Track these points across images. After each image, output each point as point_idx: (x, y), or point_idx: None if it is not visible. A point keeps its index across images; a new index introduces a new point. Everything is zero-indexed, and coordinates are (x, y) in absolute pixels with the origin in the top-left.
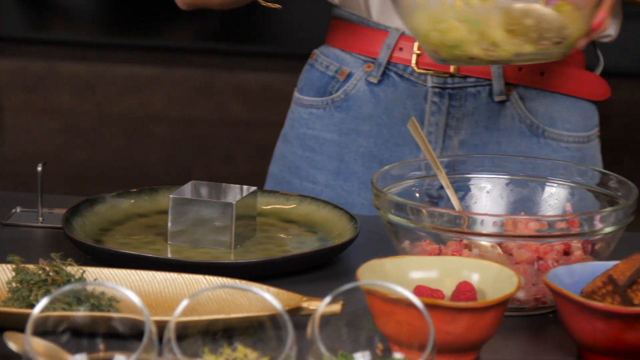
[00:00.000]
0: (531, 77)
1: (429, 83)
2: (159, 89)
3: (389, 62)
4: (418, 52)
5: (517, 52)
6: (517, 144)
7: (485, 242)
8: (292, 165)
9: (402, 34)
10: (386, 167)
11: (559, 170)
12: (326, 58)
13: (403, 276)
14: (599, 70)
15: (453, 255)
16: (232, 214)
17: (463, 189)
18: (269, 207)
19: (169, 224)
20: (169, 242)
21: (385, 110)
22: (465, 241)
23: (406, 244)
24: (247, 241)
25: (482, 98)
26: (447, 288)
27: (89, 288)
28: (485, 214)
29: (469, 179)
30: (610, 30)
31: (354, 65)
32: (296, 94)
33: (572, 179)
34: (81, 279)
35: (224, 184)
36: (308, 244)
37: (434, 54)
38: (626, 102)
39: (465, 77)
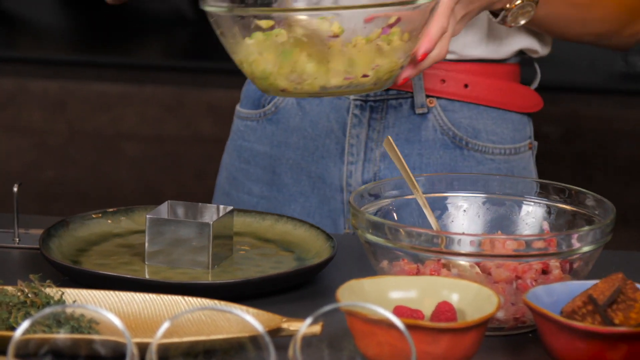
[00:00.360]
0: (454, 89)
1: (351, 96)
2: (129, 107)
3: None
4: None
5: (323, 85)
6: (440, 155)
7: (463, 261)
8: (230, 177)
9: None
10: (363, 187)
11: (536, 189)
12: None
13: (382, 296)
14: (535, 83)
15: (431, 274)
16: (210, 234)
17: (440, 208)
18: (245, 226)
19: (146, 245)
20: (146, 263)
21: (311, 123)
22: (443, 260)
23: (384, 263)
24: (224, 261)
25: (404, 110)
26: (427, 308)
27: (69, 310)
28: (463, 234)
29: (445, 198)
30: (537, 47)
31: None
32: (237, 107)
33: (549, 197)
34: (60, 301)
35: (200, 203)
36: (285, 264)
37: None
38: (596, 117)
39: (387, 90)
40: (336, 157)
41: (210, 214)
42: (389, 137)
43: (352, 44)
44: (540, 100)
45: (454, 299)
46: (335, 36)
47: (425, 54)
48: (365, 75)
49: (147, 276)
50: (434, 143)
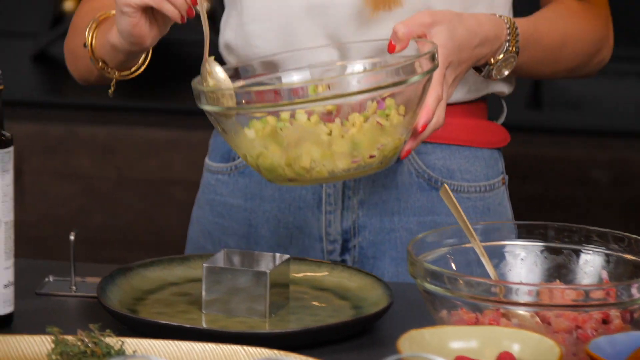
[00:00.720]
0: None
1: None
2: (177, 152)
3: None
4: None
5: (331, 170)
6: (417, 198)
7: (522, 311)
8: (205, 231)
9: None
10: (420, 235)
11: (594, 237)
12: None
13: (443, 346)
14: (502, 118)
15: (490, 324)
16: (267, 282)
17: (497, 256)
18: (301, 274)
19: (203, 293)
20: (203, 311)
21: None
22: (502, 310)
23: (444, 313)
24: (281, 310)
25: None
26: (488, 358)
27: None
28: (521, 283)
29: (503, 246)
30: (503, 88)
31: None
32: (206, 160)
33: (607, 245)
34: (120, 351)
35: (256, 252)
36: (342, 312)
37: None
38: None
39: None
40: (314, 207)
41: (267, 262)
42: (446, 185)
43: (350, 123)
44: (507, 135)
45: (515, 349)
46: (329, 113)
47: (425, 125)
48: (371, 156)
49: (204, 325)
50: (411, 187)
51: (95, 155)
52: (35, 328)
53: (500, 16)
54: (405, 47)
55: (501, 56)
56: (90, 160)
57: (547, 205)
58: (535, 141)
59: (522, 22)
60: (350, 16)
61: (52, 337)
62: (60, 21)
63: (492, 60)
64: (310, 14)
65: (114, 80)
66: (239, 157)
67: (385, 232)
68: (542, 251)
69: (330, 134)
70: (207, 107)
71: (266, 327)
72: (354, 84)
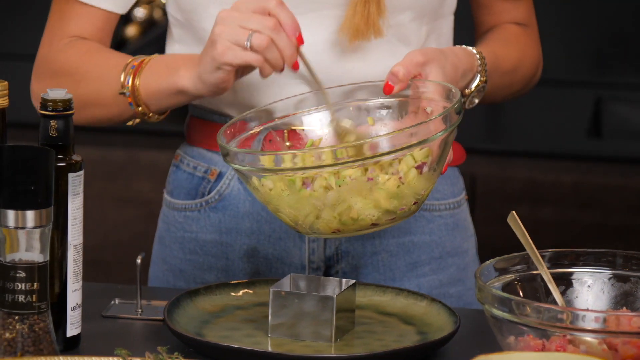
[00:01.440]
0: None
1: None
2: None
3: None
4: (288, 143)
5: (375, 222)
6: None
7: (589, 337)
8: (175, 269)
9: (271, 130)
10: (488, 262)
11: None
12: (192, 159)
13: None
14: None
15: (557, 350)
16: (333, 307)
17: (564, 283)
18: (366, 299)
19: (270, 317)
20: (269, 335)
21: (264, 206)
22: (569, 336)
23: (511, 339)
24: (347, 334)
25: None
26: None
27: None
28: (588, 310)
29: (570, 274)
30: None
31: (223, 164)
32: (167, 197)
33: None
34: None
35: (322, 277)
36: (407, 337)
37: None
38: None
39: None
40: (295, 237)
41: (333, 287)
42: (514, 212)
43: (397, 175)
44: (464, 152)
45: None
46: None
47: (447, 165)
48: (415, 203)
49: (270, 349)
50: None
51: (156, 180)
52: (101, 350)
53: (469, 48)
54: (404, 88)
55: (474, 87)
56: (151, 185)
57: (607, 234)
58: (595, 170)
59: (485, 52)
60: (326, 47)
61: (121, 359)
62: (123, 46)
63: (467, 92)
64: None
65: (138, 120)
66: (208, 193)
67: (368, 255)
68: (609, 278)
69: (382, 185)
70: (237, 167)
71: (332, 352)
72: (405, 139)
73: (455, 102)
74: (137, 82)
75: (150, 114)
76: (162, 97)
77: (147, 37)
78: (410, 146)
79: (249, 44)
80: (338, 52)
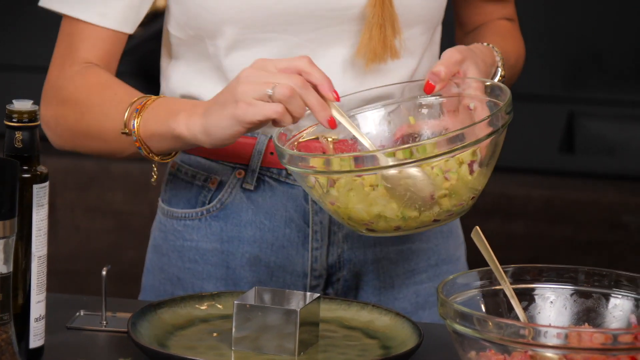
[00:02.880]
0: None
1: None
2: None
3: (261, 167)
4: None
5: (436, 217)
6: None
7: (551, 354)
8: (173, 278)
9: (271, 138)
10: (451, 276)
11: (624, 282)
12: (190, 168)
13: None
14: None
15: None
16: (297, 320)
17: (527, 299)
18: (331, 313)
19: (233, 330)
20: (233, 348)
21: (267, 215)
22: (530, 352)
23: (472, 354)
24: (311, 348)
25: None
26: None
27: None
28: (550, 326)
29: (533, 289)
30: None
31: (223, 172)
32: (163, 206)
33: (637, 290)
34: None
35: (287, 290)
36: (371, 352)
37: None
38: None
39: None
40: (298, 245)
41: (297, 300)
42: (477, 227)
43: (461, 172)
44: None
45: None
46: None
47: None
48: (472, 198)
49: None
50: None
51: (129, 191)
52: None
53: (485, 44)
54: (445, 87)
55: (496, 80)
56: (124, 195)
57: (578, 249)
58: (567, 185)
59: (498, 47)
60: (346, 67)
61: None
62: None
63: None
64: None
65: (155, 169)
66: (209, 202)
67: (369, 263)
68: (571, 294)
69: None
70: (294, 169)
71: None
72: (467, 135)
73: (506, 101)
74: (137, 122)
75: (151, 155)
76: (160, 140)
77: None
78: (452, 150)
79: (270, 92)
80: (355, 72)
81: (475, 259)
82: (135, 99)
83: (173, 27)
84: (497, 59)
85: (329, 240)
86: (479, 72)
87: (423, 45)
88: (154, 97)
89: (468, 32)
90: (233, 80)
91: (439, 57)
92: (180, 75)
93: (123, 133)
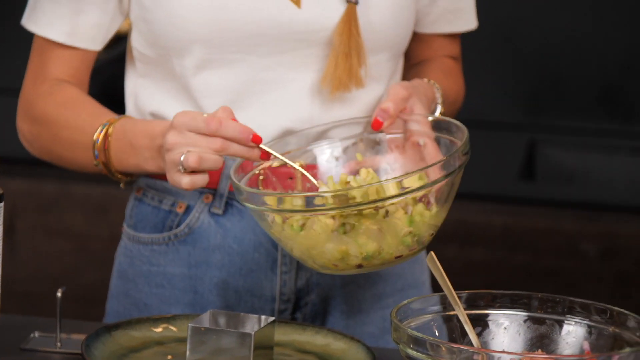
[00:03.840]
0: None
1: None
2: None
3: (229, 192)
4: (260, 177)
5: (399, 253)
6: None
7: None
8: (139, 303)
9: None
10: (405, 302)
11: (577, 309)
12: (157, 192)
13: None
14: None
15: None
16: (251, 344)
17: (481, 325)
18: (286, 337)
19: (187, 353)
20: None
21: (235, 239)
22: None
23: None
24: None
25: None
26: None
27: None
28: (503, 352)
29: (487, 315)
30: None
31: (190, 197)
32: (129, 231)
33: (590, 317)
34: None
35: (242, 313)
36: None
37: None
38: (636, 236)
39: None
40: (267, 270)
41: (252, 324)
42: (432, 253)
43: (418, 213)
44: None
45: None
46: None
47: None
48: (431, 235)
49: None
50: None
51: (89, 214)
52: None
53: (426, 80)
54: (392, 124)
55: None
56: (84, 218)
57: (536, 276)
58: (527, 212)
59: (440, 84)
60: (311, 93)
61: None
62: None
63: None
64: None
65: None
66: (177, 226)
67: (337, 287)
68: (525, 321)
69: (409, 223)
70: (251, 206)
71: None
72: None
73: (464, 141)
74: (109, 156)
75: (120, 177)
76: (124, 167)
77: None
78: (412, 190)
79: (182, 168)
80: (322, 98)
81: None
82: (95, 134)
83: (140, 44)
84: (437, 95)
85: (297, 264)
86: (424, 107)
87: (389, 72)
88: (115, 124)
89: (412, 64)
90: (164, 138)
91: None
92: (147, 94)
93: (96, 165)
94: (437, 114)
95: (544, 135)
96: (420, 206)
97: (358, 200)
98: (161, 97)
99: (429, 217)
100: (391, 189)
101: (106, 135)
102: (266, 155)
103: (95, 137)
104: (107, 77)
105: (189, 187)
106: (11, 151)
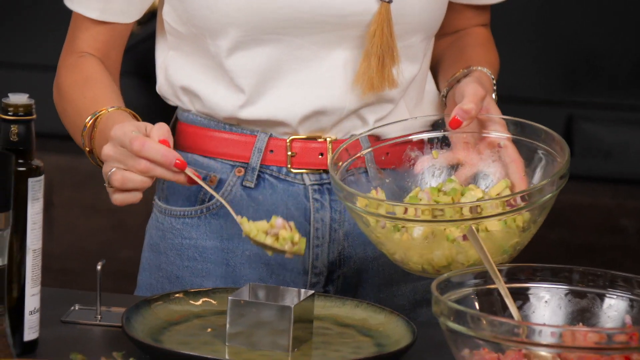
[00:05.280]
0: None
1: (307, 181)
2: None
3: (261, 165)
4: (290, 153)
5: (500, 261)
6: None
7: (544, 352)
8: (171, 276)
9: (271, 136)
10: (445, 275)
11: (619, 282)
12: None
13: None
14: None
15: None
16: (291, 317)
17: (521, 298)
18: (325, 310)
19: (227, 326)
20: (227, 344)
21: (267, 212)
22: (524, 351)
23: (465, 352)
24: (304, 344)
25: (362, 183)
26: None
27: None
28: (544, 325)
29: (527, 289)
30: None
31: (222, 170)
32: (160, 204)
33: (632, 291)
34: None
35: (281, 287)
36: (364, 349)
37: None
38: None
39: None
40: None
41: (291, 297)
42: (472, 226)
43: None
44: None
45: None
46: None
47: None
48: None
49: (227, 357)
50: None
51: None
52: (59, 355)
53: (484, 70)
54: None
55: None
56: None
57: (573, 252)
58: (565, 188)
59: (486, 63)
60: (345, 71)
61: None
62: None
63: None
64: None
65: None
66: (209, 199)
67: (369, 260)
68: (566, 294)
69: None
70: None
71: None
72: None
73: (564, 163)
74: (93, 145)
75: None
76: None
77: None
78: (519, 209)
79: (107, 184)
80: (357, 94)
81: None
82: (87, 118)
83: (172, 19)
84: (493, 83)
85: (329, 237)
86: (497, 108)
87: (423, 52)
88: (104, 115)
89: (443, 34)
90: (102, 149)
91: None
92: (178, 67)
93: (83, 146)
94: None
95: (581, 111)
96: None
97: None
98: (193, 73)
99: (525, 224)
100: (496, 207)
101: (94, 125)
102: (193, 181)
103: (84, 123)
104: (141, 53)
105: (120, 204)
106: (48, 127)
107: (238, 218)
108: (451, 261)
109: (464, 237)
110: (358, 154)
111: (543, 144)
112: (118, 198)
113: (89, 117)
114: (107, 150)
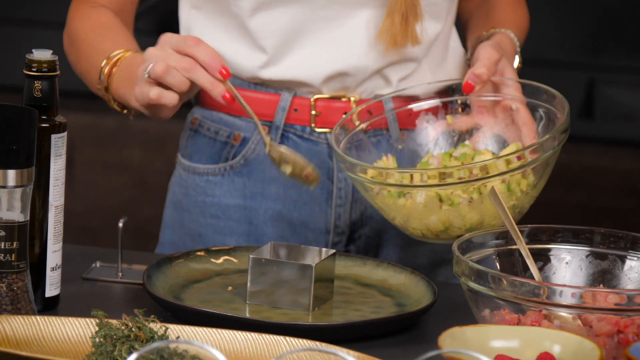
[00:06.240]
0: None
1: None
2: None
3: (285, 124)
4: (314, 112)
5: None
6: None
7: (565, 313)
8: (194, 233)
9: (295, 95)
10: (467, 235)
11: None
12: (213, 123)
13: (484, 345)
14: None
15: (532, 325)
16: (312, 276)
17: (542, 259)
18: (346, 270)
19: (248, 284)
20: (247, 302)
21: None
22: (544, 312)
23: (486, 312)
24: (325, 304)
25: (382, 146)
26: (528, 358)
27: (173, 346)
28: (565, 286)
29: (548, 250)
30: None
31: (246, 129)
32: (184, 161)
33: None
34: (164, 336)
35: (302, 245)
36: (385, 309)
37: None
38: None
39: (365, 130)
40: (322, 202)
41: (313, 256)
42: (494, 187)
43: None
44: None
45: (556, 350)
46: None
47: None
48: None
49: (248, 315)
50: None
51: (146, 148)
52: (80, 311)
53: (508, 32)
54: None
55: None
56: (141, 152)
57: (593, 215)
58: (585, 151)
59: (511, 28)
60: (367, 30)
61: (97, 320)
62: None
63: None
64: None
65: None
66: (233, 157)
67: None
68: (587, 256)
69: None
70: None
71: (309, 320)
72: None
73: (564, 118)
74: (110, 82)
75: (125, 111)
76: (124, 102)
77: None
78: (523, 166)
79: (147, 74)
80: (377, 56)
81: None
82: (115, 54)
83: None
84: (517, 48)
85: (352, 197)
86: (512, 69)
87: (446, 9)
88: (125, 54)
89: None
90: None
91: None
92: (201, 27)
93: (99, 87)
94: (516, 65)
95: (602, 74)
96: (518, 177)
97: (461, 177)
98: (215, 32)
99: (528, 188)
100: (499, 166)
101: (115, 63)
102: (229, 98)
103: (104, 63)
104: (164, 13)
105: (155, 98)
106: (70, 84)
107: (267, 139)
108: (448, 226)
109: (470, 200)
110: (381, 116)
111: (544, 102)
112: (155, 92)
113: (115, 52)
114: (152, 51)
